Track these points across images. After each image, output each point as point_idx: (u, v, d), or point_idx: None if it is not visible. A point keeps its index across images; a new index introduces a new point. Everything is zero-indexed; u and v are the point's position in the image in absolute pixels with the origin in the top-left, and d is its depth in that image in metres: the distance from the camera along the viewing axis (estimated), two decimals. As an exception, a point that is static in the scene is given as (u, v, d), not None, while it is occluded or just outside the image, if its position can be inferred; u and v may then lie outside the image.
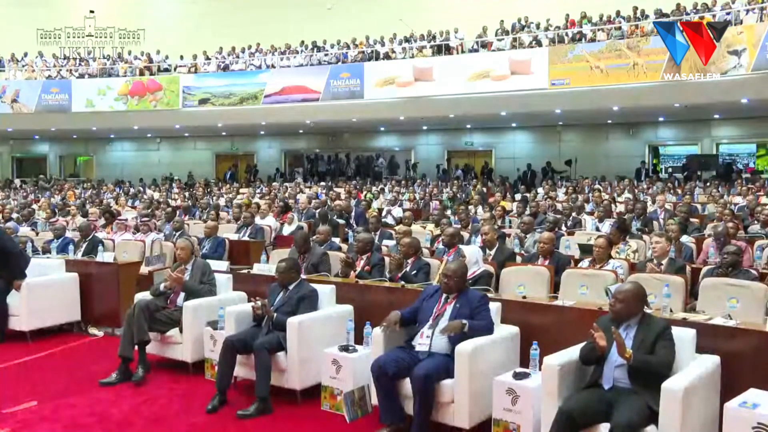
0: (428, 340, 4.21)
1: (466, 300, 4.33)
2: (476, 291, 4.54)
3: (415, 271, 5.83)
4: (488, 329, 4.25)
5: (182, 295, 5.58)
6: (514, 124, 21.11)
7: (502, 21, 18.09)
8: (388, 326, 4.33)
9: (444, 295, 4.39)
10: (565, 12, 17.68)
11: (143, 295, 5.76)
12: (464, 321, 4.15)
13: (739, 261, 5.42)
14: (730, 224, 7.30)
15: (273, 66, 19.47)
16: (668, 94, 14.85)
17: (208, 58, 20.54)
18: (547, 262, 5.93)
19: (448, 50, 17.72)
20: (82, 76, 20.88)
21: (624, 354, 3.47)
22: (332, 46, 19.71)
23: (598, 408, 3.45)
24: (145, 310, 5.32)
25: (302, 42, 20.11)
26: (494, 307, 4.50)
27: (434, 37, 18.23)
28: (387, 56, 18.25)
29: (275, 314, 4.92)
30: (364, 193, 16.70)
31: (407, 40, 18.66)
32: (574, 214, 9.98)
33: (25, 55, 22.00)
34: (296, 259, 5.65)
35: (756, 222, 8.77)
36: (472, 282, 5.08)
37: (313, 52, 19.46)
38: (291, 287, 5.08)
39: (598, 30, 16.36)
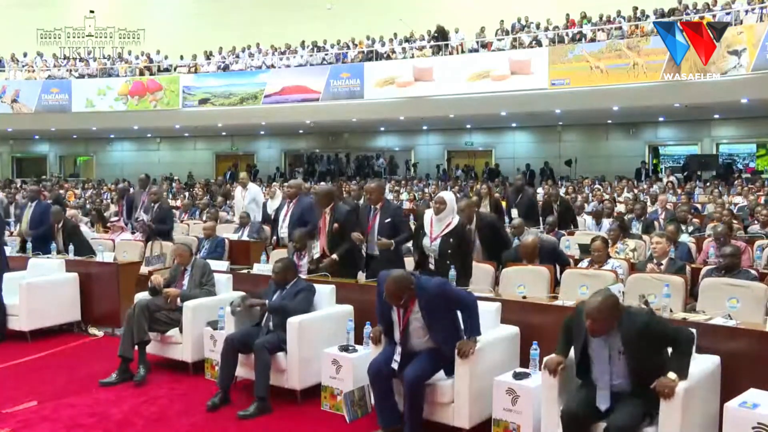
0: (399, 357, 4.04)
1: (426, 300, 3.97)
2: (427, 283, 4.06)
3: (388, 219, 5.71)
4: (476, 309, 4.03)
5: (182, 295, 5.60)
6: (514, 124, 21.11)
7: (502, 21, 18.09)
8: (376, 343, 4.28)
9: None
10: (565, 12, 17.69)
11: (143, 295, 5.76)
12: (473, 342, 3.97)
13: (737, 262, 5.41)
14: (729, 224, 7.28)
15: (273, 66, 19.47)
16: (668, 94, 14.86)
17: (208, 58, 20.53)
18: (538, 262, 5.82)
19: (446, 46, 17.72)
20: (82, 76, 20.89)
21: (673, 388, 3.28)
22: (332, 46, 19.72)
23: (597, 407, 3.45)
24: (145, 310, 5.32)
25: (302, 42, 20.11)
26: (494, 307, 4.50)
27: (435, 37, 18.24)
28: (387, 56, 18.25)
29: (270, 303, 4.92)
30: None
31: (407, 39, 18.66)
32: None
33: (25, 55, 22.00)
34: (293, 259, 5.62)
35: (756, 222, 8.77)
36: (448, 233, 5.14)
37: (313, 53, 19.45)
38: (288, 287, 5.04)
39: (598, 30, 16.37)
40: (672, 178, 17.20)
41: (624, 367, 3.42)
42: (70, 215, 8.87)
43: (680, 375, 3.31)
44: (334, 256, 5.81)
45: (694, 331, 3.59)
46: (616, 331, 3.41)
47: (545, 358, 3.68)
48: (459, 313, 4.08)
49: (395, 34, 19.05)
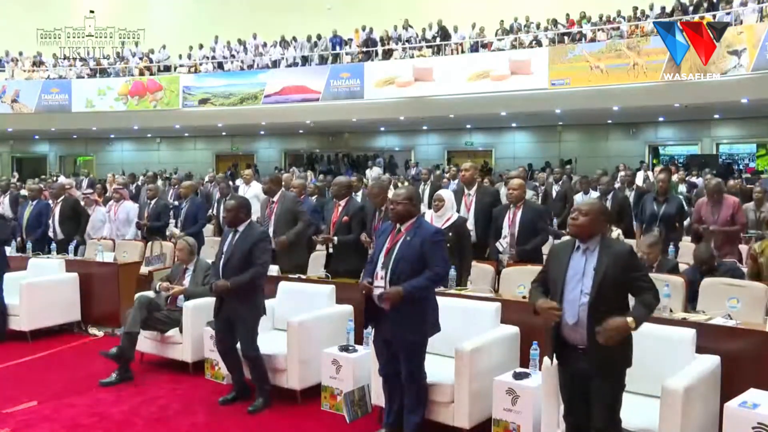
0: (383, 281, 3.89)
1: (418, 232, 3.95)
2: (431, 224, 4.40)
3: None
4: (437, 279, 3.95)
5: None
6: (514, 124, 21.11)
7: (502, 21, 18.09)
8: (366, 291, 3.98)
9: (396, 227, 4.01)
10: (565, 12, 17.68)
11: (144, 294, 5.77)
12: (400, 289, 3.77)
13: (713, 264, 5.30)
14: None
15: (274, 66, 19.46)
16: (668, 94, 14.84)
17: (212, 56, 20.50)
18: (520, 212, 5.78)
19: (447, 38, 17.70)
20: (82, 76, 20.89)
21: (629, 327, 3.11)
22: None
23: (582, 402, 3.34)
24: (144, 306, 5.35)
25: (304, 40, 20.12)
26: (494, 307, 4.50)
27: (434, 37, 18.24)
28: (385, 53, 18.22)
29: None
30: (364, 192, 16.68)
31: (407, 39, 18.66)
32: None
33: (21, 53, 21.96)
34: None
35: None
36: (447, 228, 5.24)
37: (313, 51, 19.43)
38: (241, 229, 4.73)
39: (598, 30, 16.37)
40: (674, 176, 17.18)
41: (590, 285, 3.21)
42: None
43: (637, 321, 3.11)
44: (335, 238, 5.96)
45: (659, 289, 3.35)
46: (596, 244, 3.28)
47: (539, 303, 3.34)
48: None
49: (396, 27, 19.04)
